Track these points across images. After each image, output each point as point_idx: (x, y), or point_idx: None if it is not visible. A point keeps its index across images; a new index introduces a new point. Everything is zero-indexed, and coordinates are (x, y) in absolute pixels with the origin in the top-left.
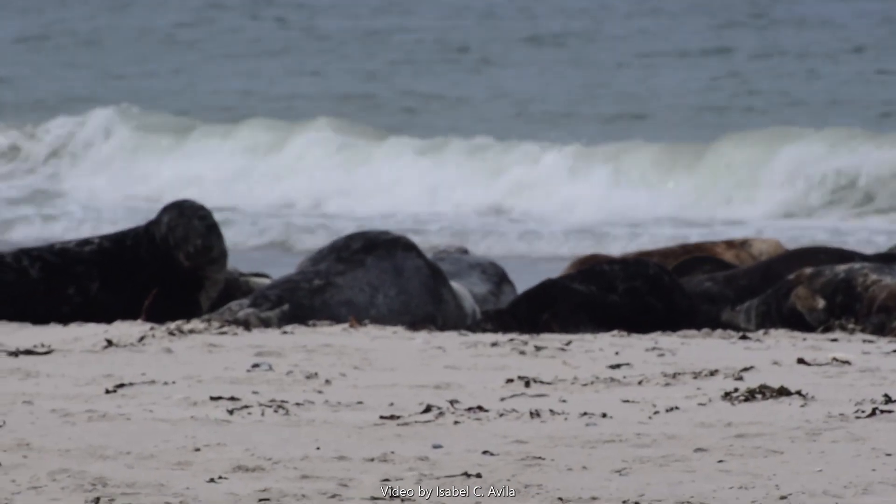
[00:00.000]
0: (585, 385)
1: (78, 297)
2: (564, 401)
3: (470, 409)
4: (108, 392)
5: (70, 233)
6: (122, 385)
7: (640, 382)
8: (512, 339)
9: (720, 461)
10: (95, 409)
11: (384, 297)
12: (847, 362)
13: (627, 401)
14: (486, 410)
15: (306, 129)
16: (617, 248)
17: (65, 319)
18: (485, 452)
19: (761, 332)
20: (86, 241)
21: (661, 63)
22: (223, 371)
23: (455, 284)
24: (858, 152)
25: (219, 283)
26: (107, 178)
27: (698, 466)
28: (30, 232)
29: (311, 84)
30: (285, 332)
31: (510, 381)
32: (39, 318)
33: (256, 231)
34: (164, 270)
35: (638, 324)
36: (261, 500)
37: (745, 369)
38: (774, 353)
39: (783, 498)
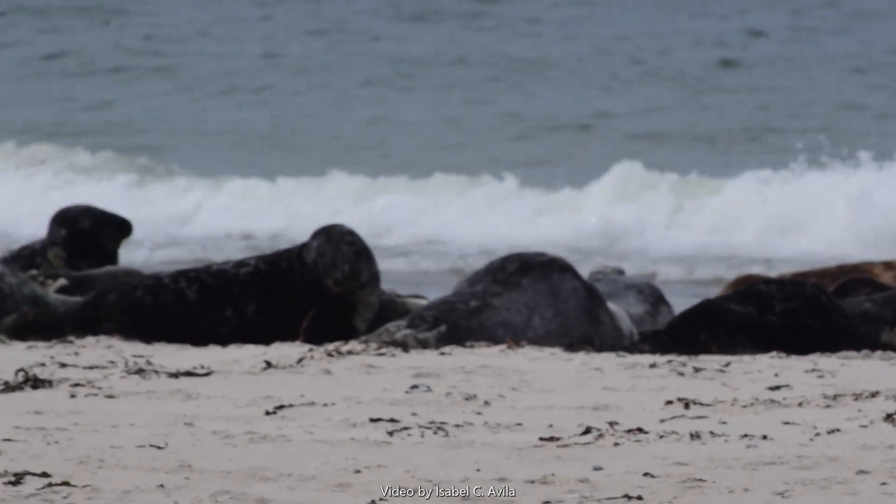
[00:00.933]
0: (745, 406)
1: (235, 318)
2: (724, 422)
3: (629, 430)
4: (267, 413)
5: None
6: (281, 406)
7: (800, 404)
8: (670, 360)
9: (883, 483)
10: (256, 430)
11: (541, 319)
12: None
13: (788, 422)
14: (646, 432)
15: None
16: None
17: (222, 341)
18: (645, 474)
19: None
20: (242, 263)
21: None
22: (382, 392)
23: (612, 305)
24: None
25: (372, 306)
26: None
27: (861, 489)
28: None
29: None
30: (443, 354)
31: (669, 402)
32: (197, 340)
33: None
34: (316, 294)
35: (796, 345)
36: None
37: None
38: None
39: None
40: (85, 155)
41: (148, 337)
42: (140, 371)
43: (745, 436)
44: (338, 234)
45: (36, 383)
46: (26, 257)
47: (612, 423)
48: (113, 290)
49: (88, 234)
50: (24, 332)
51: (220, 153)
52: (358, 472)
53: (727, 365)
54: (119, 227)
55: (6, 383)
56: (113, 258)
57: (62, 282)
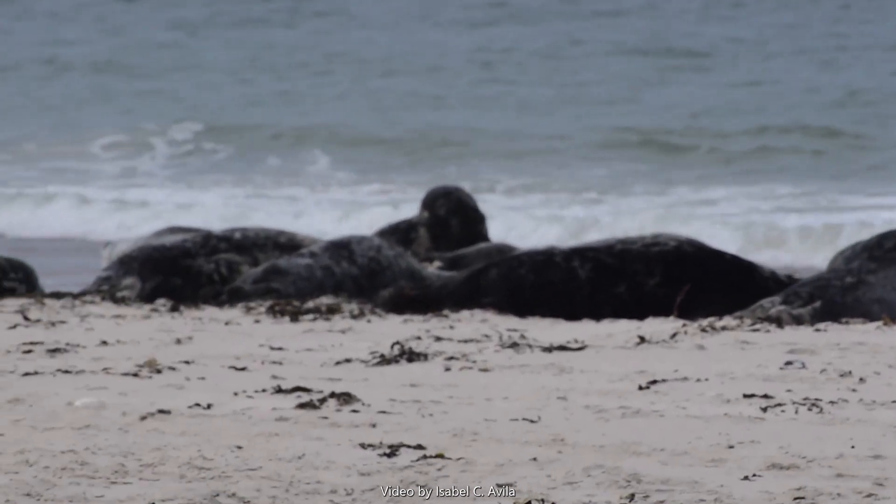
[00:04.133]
0: None
1: (628, 294)
2: None
3: None
4: (640, 388)
5: None
6: (654, 381)
7: None
8: None
9: None
10: (628, 405)
11: None
12: None
13: None
14: None
15: None
16: None
17: (600, 317)
18: None
19: None
20: (655, 243)
21: None
22: (756, 368)
23: None
24: None
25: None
26: None
27: None
28: None
29: None
30: (818, 330)
31: None
32: (578, 316)
33: None
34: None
35: None
36: (795, 498)
37: None
38: None
39: None
40: None
41: (526, 312)
42: (514, 345)
43: None
44: None
45: (411, 356)
46: (402, 231)
47: None
48: (497, 265)
49: (442, 221)
50: (401, 305)
51: None
52: (731, 447)
53: None
54: (468, 217)
55: (382, 356)
56: (484, 236)
57: (437, 263)
